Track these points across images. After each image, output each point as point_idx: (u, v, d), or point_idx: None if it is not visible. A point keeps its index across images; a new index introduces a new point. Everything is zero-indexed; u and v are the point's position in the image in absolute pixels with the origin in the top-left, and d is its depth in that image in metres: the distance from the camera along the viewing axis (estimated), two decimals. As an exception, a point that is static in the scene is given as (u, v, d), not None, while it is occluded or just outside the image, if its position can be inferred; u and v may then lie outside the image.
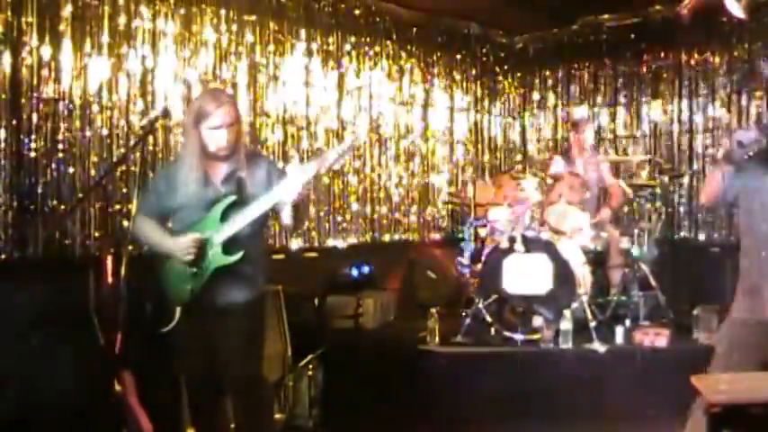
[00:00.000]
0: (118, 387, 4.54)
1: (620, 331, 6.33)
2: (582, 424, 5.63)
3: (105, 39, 6.15)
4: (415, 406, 5.93)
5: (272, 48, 7.41)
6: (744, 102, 8.21)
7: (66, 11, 5.90)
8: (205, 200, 4.13)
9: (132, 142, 6.14)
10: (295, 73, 7.63)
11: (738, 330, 4.04)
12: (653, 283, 7.06)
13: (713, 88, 8.42)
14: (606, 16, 8.75)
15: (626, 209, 8.23)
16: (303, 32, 7.69)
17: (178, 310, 4.13)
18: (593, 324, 6.27)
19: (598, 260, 7.06)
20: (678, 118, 8.72)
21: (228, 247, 4.08)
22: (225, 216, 4.10)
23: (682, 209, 8.58)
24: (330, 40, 7.97)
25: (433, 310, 6.51)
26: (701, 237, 8.45)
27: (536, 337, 6.33)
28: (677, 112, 8.72)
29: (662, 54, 8.81)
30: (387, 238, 8.60)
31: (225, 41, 7.00)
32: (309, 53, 7.76)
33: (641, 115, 9.03)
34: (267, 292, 4.58)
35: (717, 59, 8.41)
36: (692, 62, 8.59)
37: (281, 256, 6.99)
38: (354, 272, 7.62)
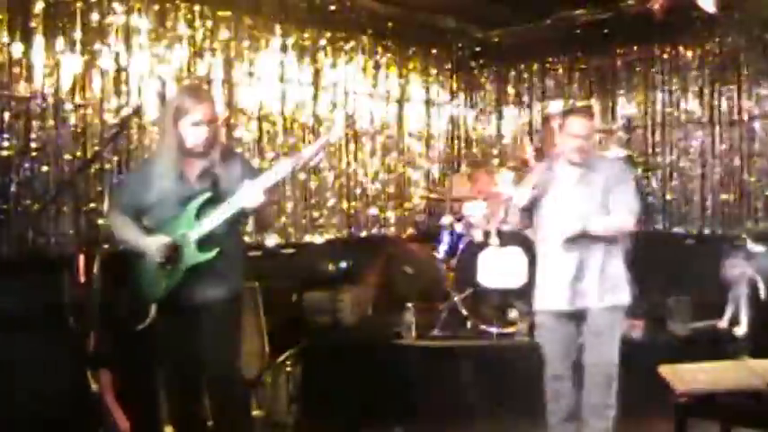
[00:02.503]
0: (94, 386, 4.53)
1: (594, 323, 6.36)
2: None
3: (78, 35, 6.11)
4: (392, 400, 5.94)
5: (246, 43, 7.39)
6: (716, 95, 8.29)
7: (38, 7, 5.86)
8: (180, 197, 4.13)
9: (106, 140, 6.11)
10: (270, 69, 7.61)
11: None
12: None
13: (686, 82, 8.48)
14: (580, 11, 8.76)
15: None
16: (278, 28, 7.67)
17: (153, 307, 4.13)
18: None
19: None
20: (651, 111, 8.77)
21: (203, 244, 4.08)
22: (200, 213, 4.10)
23: (654, 201, 8.64)
24: (305, 35, 7.95)
25: (410, 305, 6.53)
26: (675, 229, 8.51)
27: (511, 329, 6.37)
28: (650, 106, 8.78)
29: (635, 48, 8.86)
30: (364, 233, 8.60)
31: (199, 37, 6.97)
32: (284, 48, 7.74)
33: (615, 109, 9.07)
34: (244, 289, 4.56)
35: (689, 53, 8.47)
36: (665, 56, 8.65)
37: (257, 253, 6.96)
38: (332, 267, 7.63)
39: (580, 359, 4.86)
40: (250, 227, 5.91)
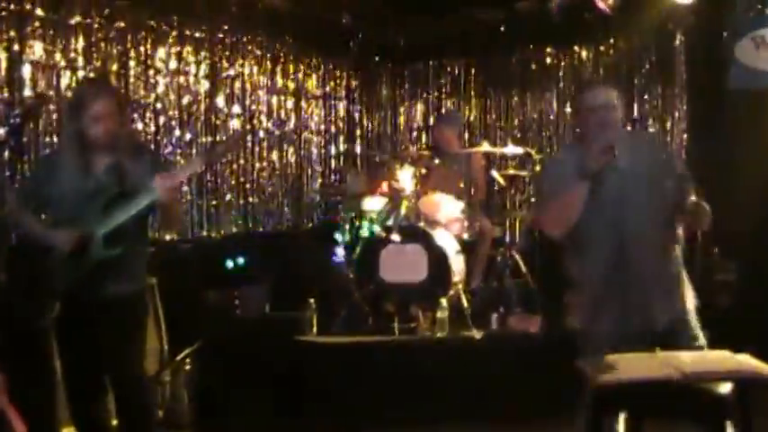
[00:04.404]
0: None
1: (494, 318, 6.48)
2: (461, 406, 5.73)
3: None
4: (292, 397, 5.91)
5: (143, 34, 7.23)
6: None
7: (-75, -8, 5.63)
8: (86, 191, 4.03)
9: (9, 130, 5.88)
10: (167, 61, 7.47)
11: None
12: (524, 270, 7.26)
13: (580, 81, 8.71)
14: (477, 10, 8.90)
15: (497, 199, 8.39)
16: (176, 20, 7.53)
17: (57, 304, 4.02)
18: (468, 312, 6.40)
19: (472, 249, 7.19)
20: (547, 110, 8.98)
21: (110, 239, 3.99)
22: (106, 208, 4.00)
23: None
24: (204, 27, 7.83)
25: (311, 301, 6.50)
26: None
27: (413, 325, 6.41)
28: (546, 105, 8.99)
29: (531, 48, 9.05)
30: (261, 228, 8.53)
31: (95, 27, 6.78)
32: (182, 41, 7.60)
33: (511, 107, 9.25)
34: (148, 286, 4.48)
35: (584, 54, 8.71)
36: (561, 56, 8.87)
37: (153, 249, 6.81)
38: (230, 263, 7.54)
39: None
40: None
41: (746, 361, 3.18)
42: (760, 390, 3.08)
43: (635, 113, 8.36)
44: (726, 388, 3.08)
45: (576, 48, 8.74)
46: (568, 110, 8.83)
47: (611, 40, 8.46)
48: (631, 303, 3.81)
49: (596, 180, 3.73)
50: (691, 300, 3.92)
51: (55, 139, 6.29)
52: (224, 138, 7.71)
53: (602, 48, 8.56)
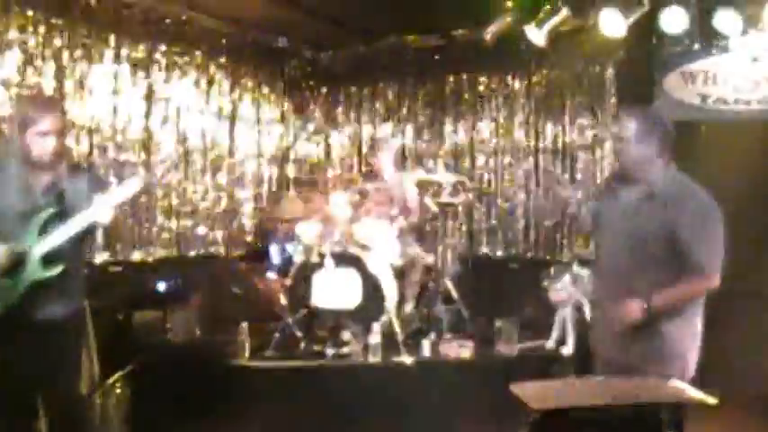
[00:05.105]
0: None
1: (426, 344, 6.53)
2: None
3: None
4: (224, 421, 5.87)
5: (79, 53, 7.16)
6: (540, 125, 8.73)
7: None
8: (24, 211, 3.97)
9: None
10: (103, 80, 7.40)
11: None
12: (455, 296, 7.34)
13: (512, 111, 8.87)
14: (412, 37, 9.00)
15: (429, 226, 8.45)
16: (112, 38, 7.48)
17: None
18: (400, 337, 6.44)
19: (404, 275, 7.25)
20: (478, 138, 9.11)
21: (48, 260, 3.94)
22: (44, 229, 3.95)
23: (482, 226, 8.98)
24: (140, 47, 7.79)
25: (244, 325, 6.48)
26: (500, 253, 8.87)
27: (345, 350, 6.43)
28: (477, 133, 9.12)
29: (464, 76, 9.17)
30: (193, 252, 8.47)
31: (32, 43, 6.70)
32: (118, 60, 7.55)
33: (444, 134, 9.36)
34: (86, 307, 4.42)
35: (516, 84, 8.86)
36: (493, 85, 9.01)
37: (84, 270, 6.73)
38: (161, 286, 7.47)
39: None
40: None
41: (676, 386, 3.29)
42: (696, 411, 3.19)
43: (566, 143, 8.53)
44: (659, 412, 3.17)
45: (509, 78, 8.89)
46: (501, 140, 8.98)
47: (544, 71, 8.63)
48: (607, 333, 3.80)
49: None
50: (682, 359, 3.74)
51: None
52: (159, 159, 7.67)
53: (534, 78, 8.72)
